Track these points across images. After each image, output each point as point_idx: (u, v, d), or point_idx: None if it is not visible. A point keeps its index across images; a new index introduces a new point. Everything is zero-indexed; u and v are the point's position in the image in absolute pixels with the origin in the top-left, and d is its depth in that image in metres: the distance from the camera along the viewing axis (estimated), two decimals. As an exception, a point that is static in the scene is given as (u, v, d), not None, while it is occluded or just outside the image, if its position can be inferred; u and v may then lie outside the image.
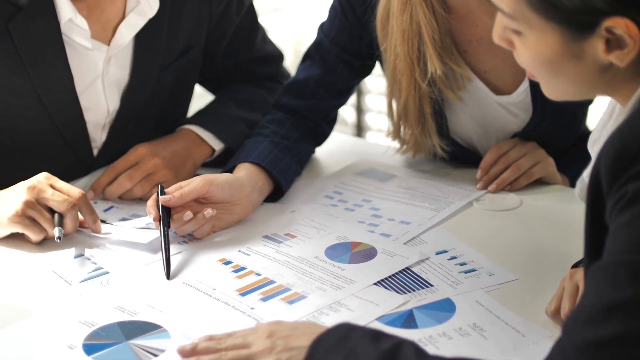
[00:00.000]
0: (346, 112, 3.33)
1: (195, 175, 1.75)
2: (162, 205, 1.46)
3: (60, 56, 1.58)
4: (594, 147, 1.23)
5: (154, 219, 1.46)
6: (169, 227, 1.46)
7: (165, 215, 1.46)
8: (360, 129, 3.32)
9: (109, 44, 1.62)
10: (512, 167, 1.65)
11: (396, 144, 1.75)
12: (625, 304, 0.87)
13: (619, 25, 0.97)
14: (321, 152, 1.85)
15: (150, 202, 1.48)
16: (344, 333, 1.06)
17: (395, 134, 1.72)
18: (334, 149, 1.88)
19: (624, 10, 0.97)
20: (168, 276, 1.38)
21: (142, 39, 1.65)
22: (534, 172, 1.66)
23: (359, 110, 3.34)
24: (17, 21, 1.53)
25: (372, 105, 3.34)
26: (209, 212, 1.48)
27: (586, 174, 1.23)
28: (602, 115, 1.20)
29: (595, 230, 0.98)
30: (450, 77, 1.62)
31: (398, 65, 1.61)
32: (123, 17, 1.62)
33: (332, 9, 1.73)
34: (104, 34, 1.62)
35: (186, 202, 1.48)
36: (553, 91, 1.09)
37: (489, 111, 1.67)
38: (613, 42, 0.99)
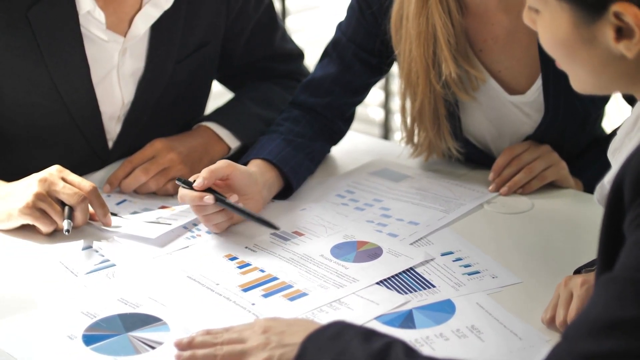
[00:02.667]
0: (374, 112, 3.34)
1: (212, 171, 1.77)
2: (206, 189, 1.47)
3: (77, 47, 1.61)
4: (615, 155, 1.20)
5: (214, 201, 1.46)
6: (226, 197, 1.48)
7: (216, 192, 1.47)
8: (387, 130, 3.32)
9: (125, 36, 1.64)
10: (525, 169, 1.64)
11: (410, 148, 1.75)
12: (630, 321, 0.86)
13: (628, 12, 0.96)
14: (336, 151, 1.85)
15: (193, 196, 1.46)
16: (337, 331, 1.07)
17: (409, 138, 1.72)
18: (350, 148, 1.88)
19: None
20: (275, 226, 1.46)
21: (158, 31, 1.67)
22: (546, 175, 1.65)
23: (387, 110, 3.33)
24: (37, 10, 1.56)
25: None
26: (234, 196, 1.50)
27: (607, 180, 1.21)
28: (624, 123, 1.18)
29: (611, 240, 0.96)
30: (465, 79, 1.62)
31: (413, 68, 1.61)
32: (139, 9, 1.64)
33: (350, 8, 1.74)
34: (121, 25, 1.64)
35: (215, 180, 1.49)
36: (574, 81, 1.08)
37: (502, 111, 1.67)
38: (625, 31, 0.98)
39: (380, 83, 3.11)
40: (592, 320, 0.89)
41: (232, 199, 1.50)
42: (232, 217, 1.52)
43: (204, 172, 1.48)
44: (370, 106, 3.28)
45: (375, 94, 3.27)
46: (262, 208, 1.59)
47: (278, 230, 1.48)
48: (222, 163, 1.52)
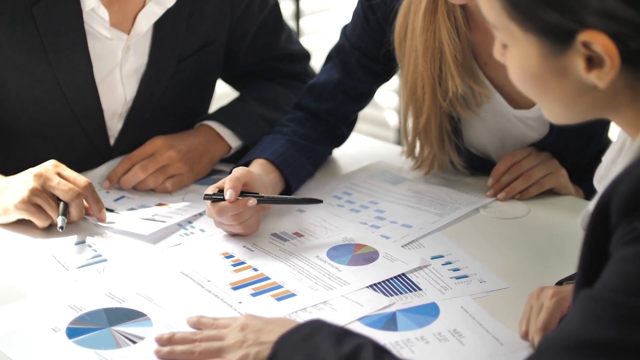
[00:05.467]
0: (389, 116, 3.33)
1: (213, 170, 1.78)
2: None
3: (80, 44, 1.63)
4: (601, 183, 1.18)
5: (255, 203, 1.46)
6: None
7: (247, 194, 1.48)
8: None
9: (128, 33, 1.66)
10: (524, 176, 1.63)
11: (410, 161, 1.74)
12: (605, 344, 0.85)
13: (596, 41, 0.92)
14: (338, 152, 1.85)
15: (237, 204, 1.45)
16: (309, 331, 1.07)
17: (410, 152, 1.72)
18: (352, 150, 1.88)
19: (596, 21, 0.92)
20: (318, 200, 1.52)
21: (161, 29, 1.68)
22: (545, 182, 1.64)
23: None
24: (42, 6, 1.58)
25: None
26: (253, 201, 1.48)
27: (592, 206, 1.19)
28: (609, 151, 1.16)
29: (593, 258, 0.95)
30: (469, 95, 1.61)
31: (419, 83, 1.60)
32: (143, 7, 1.66)
33: (355, 13, 1.73)
34: (125, 23, 1.65)
35: (241, 187, 1.48)
36: (548, 113, 1.05)
37: (506, 125, 1.65)
38: (596, 61, 0.94)
39: (395, 87, 3.10)
40: (567, 336, 0.88)
41: (251, 203, 1.48)
42: (260, 218, 1.52)
43: (229, 182, 1.47)
44: (386, 110, 3.27)
45: (391, 97, 3.26)
46: (267, 209, 1.58)
47: (322, 202, 1.52)
48: (241, 171, 1.50)
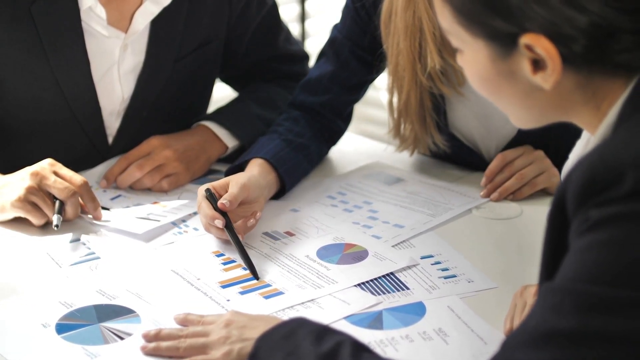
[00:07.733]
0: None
1: (210, 170, 1.80)
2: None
3: (78, 42, 1.65)
4: None
5: (223, 226, 1.46)
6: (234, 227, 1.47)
7: (228, 218, 1.47)
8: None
9: (126, 32, 1.67)
10: (516, 176, 1.64)
11: (395, 143, 1.77)
12: (566, 333, 0.86)
13: (537, 44, 0.94)
14: (336, 152, 1.87)
15: (207, 214, 1.46)
16: (290, 330, 1.08)
17: (396, 132, 1.74)
18: (348, 150, 1.89)
19: (538, 25, 0.94)
20: (257, 277, 1.39)
21: (158, 27, 1.70)
22: (537, 182, 1.64)
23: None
24: (40, 5, 1.60)
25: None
26: (257, 216, 1.51)
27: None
28: (575, 148, 1.18)
29: (553, 250, 0.97)
30: (451, 73, 1.64)
31: (400, 61, 1.64)
32: (141, 5, 1.67)
33: (345, 8, 1.77)
34: (122, 22, 1.67)
35: (236, 206, 1.49)
36: (512, 117, 1.08)
37: (488, 109, 1.67)
38: (541, 63, 0.96)
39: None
40: (529, 330, 0.89)
41: (255, 218, 1.50)
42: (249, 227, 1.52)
43: (230, 196, 1.48)
44: (357, 102, 3.29)
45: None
46: (263, 208, 1.60)
47: (258, 280, 1.39)
48: (237, 187, 1.50)
